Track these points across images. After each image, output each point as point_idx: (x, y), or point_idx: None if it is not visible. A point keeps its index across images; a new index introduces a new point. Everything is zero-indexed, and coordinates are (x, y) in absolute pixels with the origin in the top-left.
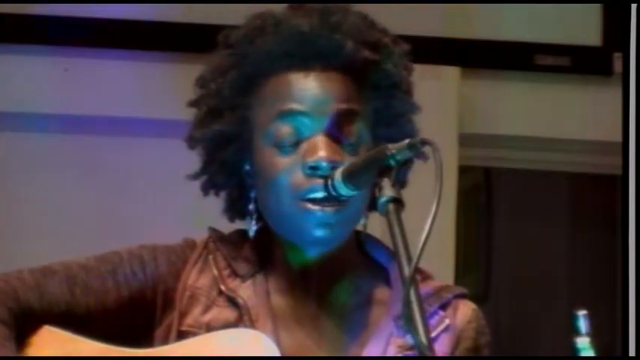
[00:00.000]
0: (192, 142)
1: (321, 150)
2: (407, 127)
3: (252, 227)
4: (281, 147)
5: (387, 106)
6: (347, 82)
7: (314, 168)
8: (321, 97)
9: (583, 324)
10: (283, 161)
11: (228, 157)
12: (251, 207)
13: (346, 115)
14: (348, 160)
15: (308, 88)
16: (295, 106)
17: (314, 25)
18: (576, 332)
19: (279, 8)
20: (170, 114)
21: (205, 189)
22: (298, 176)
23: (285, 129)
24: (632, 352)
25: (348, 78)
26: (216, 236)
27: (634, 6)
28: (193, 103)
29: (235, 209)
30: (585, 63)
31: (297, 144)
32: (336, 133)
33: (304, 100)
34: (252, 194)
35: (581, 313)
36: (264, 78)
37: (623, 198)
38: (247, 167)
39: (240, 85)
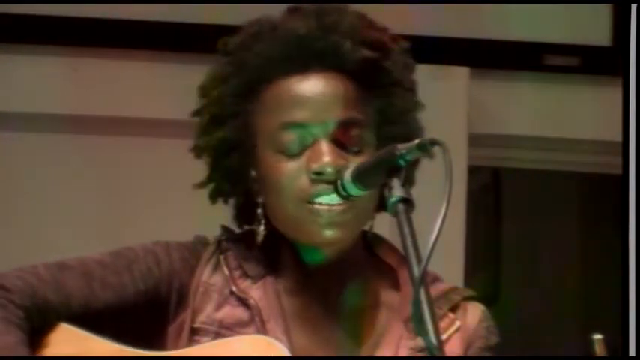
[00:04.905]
0: (197, 151)
1: (325, 156)
2: (411, 125)
3: (260, 232)
4: (286, 153)
5: (389, 104)
6: (347, 83)
7: (319, 173)
8: (322, 103)
9: (599, 349)
10: (288, 167)
11: (233, 165)
12: (259, 212)
13: (349, 120)
14: (353, 164)
15: (309, 94)
16: (298, 117)
17: (310, 27)
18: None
19: (276, 12)
20: (183, 115)
21: (213, 197)
22: (304, 182)
23: (289, 137)
24: (632, 352)
25: (349, 79)
26: (228, 235)
27: (634, 6)
28: (196, 113)
29: (243, 216)
30: (595, 63)
31: (301, 150)
32: (339, 138)
33: (306, 109)
34: (259, 200)
35: (597, 337)
36: (264, 83)
37: (623, 198)
38: (253, 173)
39: (240, 91)
